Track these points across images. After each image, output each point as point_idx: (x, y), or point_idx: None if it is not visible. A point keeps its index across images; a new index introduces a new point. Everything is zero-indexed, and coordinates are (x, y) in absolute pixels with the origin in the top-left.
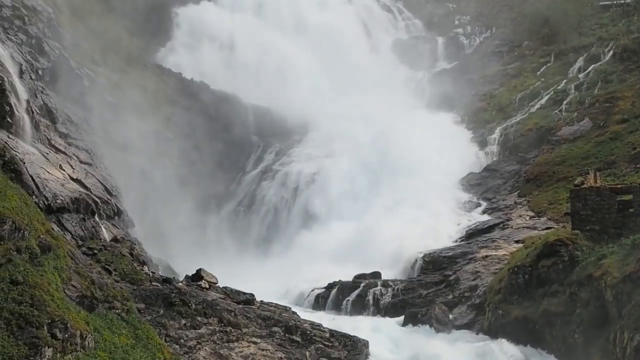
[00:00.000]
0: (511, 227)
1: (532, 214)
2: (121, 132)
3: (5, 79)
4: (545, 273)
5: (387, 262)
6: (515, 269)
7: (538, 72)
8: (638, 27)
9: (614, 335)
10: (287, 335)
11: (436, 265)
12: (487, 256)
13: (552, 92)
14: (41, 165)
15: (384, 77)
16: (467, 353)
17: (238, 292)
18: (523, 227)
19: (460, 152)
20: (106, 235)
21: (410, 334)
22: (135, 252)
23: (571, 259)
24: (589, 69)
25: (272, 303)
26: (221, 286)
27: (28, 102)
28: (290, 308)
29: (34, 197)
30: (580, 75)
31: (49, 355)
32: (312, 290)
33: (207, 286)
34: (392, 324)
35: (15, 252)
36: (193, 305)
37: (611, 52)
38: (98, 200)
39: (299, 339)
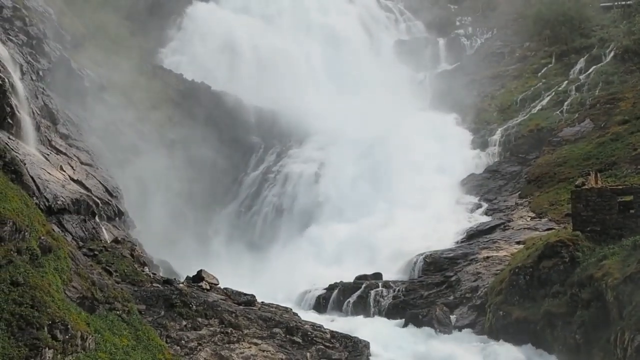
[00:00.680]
0: (512, 228)
1: (533, 215)
2: (122, 133)
3: (6, 79)
4: (546, 274)
5: (388, 263)
6: (516, 270)
7: (539, 73)
8: (639, 28)
9: (615, 336)
10: (288, 336)
11: (437, 266)
12: (488, 257)
13: (553, 93)
14: (42, 166)
15: (385, 78)
16: (468, 354)
17: (239, 293)
18: (524, 228)
19: (461, 153)
20: (107, 236)
21: (411, 335)
22: (136, 253)
23: (572, 260)
24: (590, 70)
25: (273, 304)
26: (222, 287)
27: (29, 103)
28: (291, 309)
29: (34, 198)
30: (582, 77)
31: (49, 357)
32: (313, 291)
33: (208, 287)
34: (393, 325)
35: (16, 253)
36: (194, 306)
37: (612, 53)
38: (99, 202)
39: (299, 340)
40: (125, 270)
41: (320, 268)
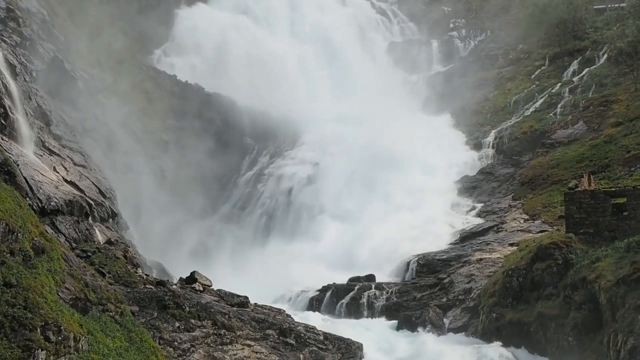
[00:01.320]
0: (505, 230)
1: (526, 217)
2: (115, 134)
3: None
4: (540, 276)
5: (381, 265)
6: (510, 272)
7: (533, 76)
8: (632, 30)
9: (608, 338)
10: (281, 337)
11: (430, 268)
12: (481, 259)
13: (546, 95)
14: (35, 167)
15: (379, 80)
16: (461, 356)
17: (232, 295)
18: (517, 230)
19: (454, 155)
20: (100, 237)
21: (404, 337)
22: (129, 254)
23: (565, 262)
24: (584, 72)
25: (266, 306)
26: (215, 289)
27: (22, 104)
28: (284, 311)
29: (27, 199)
30: (575, 79)
31: (42, 358)
32: (307, 293)
33: (201, 289)
34: (386, 326)
35: (9, 255)
36: (187, 307)
37: (606, 56)
38: (92, 203)
39: (293, 342)
40: (119, 272)
41: (314, 269)
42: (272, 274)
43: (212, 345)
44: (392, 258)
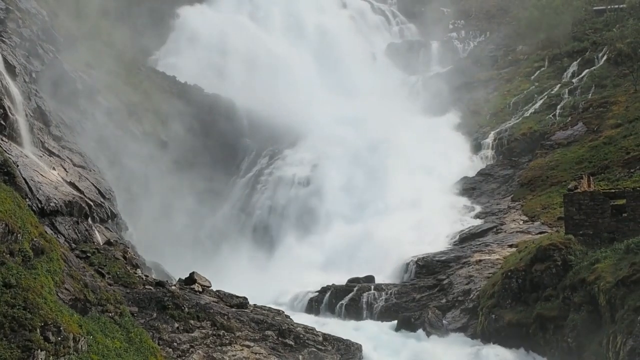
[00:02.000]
0: (505, 232)
1: (525, 218)
2: (114, 135)
3: None
4: (539, 277)
5: (380, 266)
6: (509, 274)
7: (532, 77)
8: (632, 31)
9: (607, 339)
10: (280, 338)
11: (430, 270)
12: (480, 260)
13: (546, 97)
14: (35, 168)
15: (378, 81)
16: (460, 357)
17: (231, 296)
18: (516, 232)
19: (454, 156)
20: (99, 238)
21: (403, 338)
22: (128, 255)
23: (564, 264)
24: (583, 73)
25: (265, 306)
26: (214, 289)
27: (22, 105)
28: (283, 312)
29: (27, 200)
30: (574, 80)
31: (42, 358)
32: (306, 294)
33: (201, 289)
34: (385, 327)
35: (8, 255)
36: (186, 308)
37: (605, 57)
38: (91, 203)
39: (292, 343)
40: (118, 273)
41: (313, 270)
42: (271, 275)
43: (211, 346)
44: (392, 259)
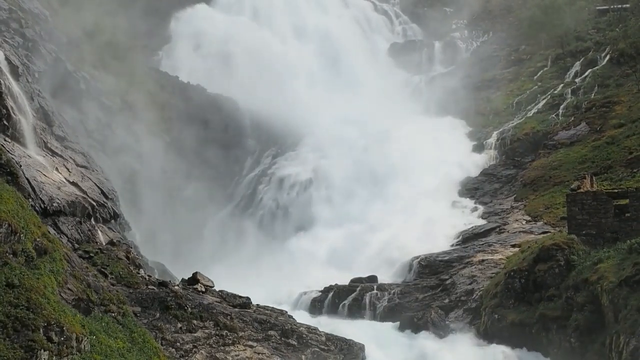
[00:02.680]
0: (507, 232)
1: (528, 218)
2: (117, 135)
3: (2, 82)
4: (542, 277)
5: (383, 266)
6: (512, 273)
7: (535, 77)
8: (635, 31)
9: (610, 339)
10: (283, 339)
11: (432, 269)
12: (483, 260)
13: (548, 97)
14: (37, 168)
15: (380, 81)
16: (463, 357)
17: (234, 296)
18: (519, 232)
19: (456, 156)
20: (102, 238)
21: (406, 338)
22: (131, 255)
23: (567, 264)
24: (586, 73)
25: (268, 307)
26: (217, 290)
27: (25, 105)
28: (286, 312)
29: (30, 200)
30: (577, 80)
31: (44, 359)
32: (309, 294)
33: (203, 290)
34: (388, 327)
35: (11, 255)
36: (189, 308)
37: (608, 57)
38: (94, 204)
39: (295, 343)
40: (121, 273)
41: (316, 270)
42: (274, 275)
43: (214, 346)
44: (394, 259)
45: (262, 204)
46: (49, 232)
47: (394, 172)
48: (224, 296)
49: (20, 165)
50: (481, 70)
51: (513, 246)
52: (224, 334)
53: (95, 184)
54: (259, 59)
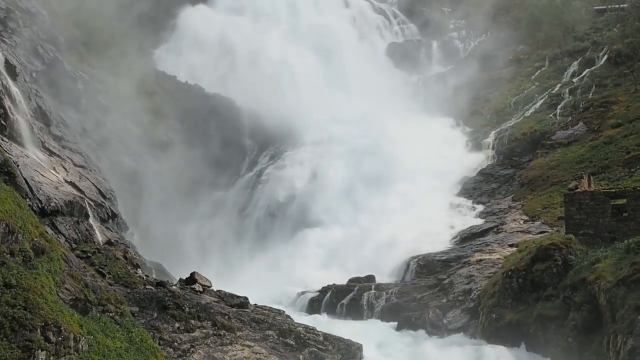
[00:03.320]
0: (505, 231)
1: (526, 217)
2: (115, 134)
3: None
4: (539, 277)
5: (381, 266)
6: (509, 273)
7: (533, 76)
8: (632, 31)
9: (608, 339)
10: (280, 338)
11: (430, 269)
12: (481, 260)
13: (546, 96)
14: (35, 168)
15: (379, 81)
16: (460, 357)
17: (232, 296)
18: (517, 231)
19: (454, 156)
20: (100, 238)
21: (404, 338)
22: (129, 255)
23: (565, 263)
24: (584, 73)
25: (266, 306)
26: (215, 289)
27: (22, 105)
28: (284, 311)
29: (27, 200)
30: (575, 80)
31: (42, 359)
32: (306, 294)
33: (201, 289)
34: (386, 327)
35: (9, 255)
36: (187, 308)
37: (606, 57)
38: (92, 203)
39: (292, 343)
40: (119, 272)
41: (313, 270)
42: (272, 275)
43: (212, 345)
44: (392, 259)
45: (259, 203)
46: (46, 231)
47: (391, 172)
48: (222, 296)
49: (18, 165)
50: (479, 70)
51: (511, 246)
52: (222, 333)
53: (93, 183)
54: (258, 58)
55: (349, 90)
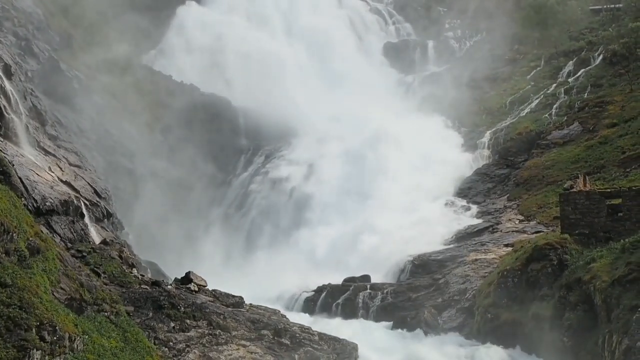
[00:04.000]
0: (501, 231)
1: (521, 217)
2: (110, 134)
3: None
4: (535, 277)
5: (376, 266)
6: (505, 273)
7: (528, 76)
8: (628, 31)
9: (603, 339)
10: (276, 338)
11: (426, 269)
12: (476, 260)
13: (542, 96)
14: (30, 167)
15: (374, 80)
16: (456, 356)
17: (227, 295)
18: (513, 231)
19: (450, 155)
20: (95, 237)
21: (399, 338)
22: (124, 254)
23: (560, 263)
24: (579, 73)
25: (261, 306)
26: (210, 289)
27: (17, 104)
28: (279, 311)
29: (23, 199)
30: (570, 80)
31: (37, 358)
32: (302, 294)
33: (197, 289)
34: (381, 327)
35: (4, 255)
36: (182, 308)
37: (601, 57)
38: (87, 203)
39: (288, 342)
40: (114, 272)
41: (309, 270)
42: (267, 274)
43: (207, 345)
44: (388, 258)
45: (255, 203)
46: (41, 231)
47: (387, 171)
48: (217, 295)
49: (13, 164)
50: (475, 69)
51: (506, 246)
52: (217, 333)
53: (88, 183)
54: (253, 58)
55: (345, 89)
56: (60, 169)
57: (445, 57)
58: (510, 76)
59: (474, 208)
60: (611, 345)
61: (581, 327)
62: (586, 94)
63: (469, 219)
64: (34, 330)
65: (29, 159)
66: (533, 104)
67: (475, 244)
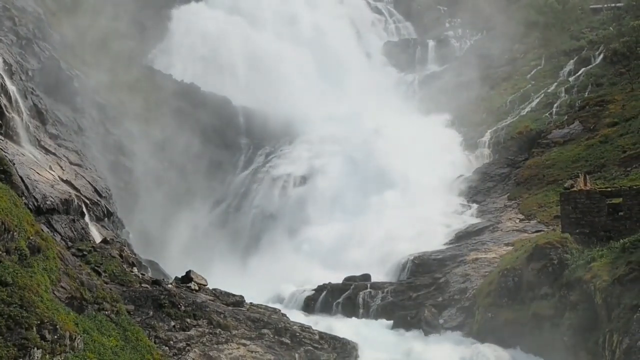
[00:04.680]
0: (501, 230)
1: (522, 216)
2: (111, 133)
3: None
4: (535, 276)
5: (377, 265)
6: (505, 272)
7: (529, 75)
8: (628, 30)
9: (603, 338)
10: (276, 337)
11: (426, 268)
12: (477, 259)
13: (542, 95)
14: (31, 166)
15: (374, 79)
16: (456, 356)
17: (227, 294)
18: (513, 230)
19: (450, 154)
20: (96, 236)
21: (399, 337)
22: (124, 253)
23: (561, 262)
24: (580, 72)
25: (261, 305)
26: (211, 288)
27: (18, 103)
28: (279, 310)
29: (23, 198)
30: (571, 79)
31: (38, 357)
32: (302, 293)
33: (197, 288)
34: (381, 326)
35: (5, 253)
36: (182, 307)
37: (602, 56)
38: (88, 202)
39: (288, 341)
40: (114, 271)
41: (309, 269)
42: (268, 273)
43: (207, 344)
44: (388, 258)
45: (255, 202)
46: (42, 230)
47: (387, 170)
48: (218, 294)
49: (14, 163)
50: (475, 69)
51: (507, 245)
52: (218, 332)
53: (88, 182)
54: (253, 57)
55: (345, 88)
56: (61, 167)
57: (445, 56)
58: (510, 75)
59: (475, 207)
60: (612, 344)
61: (581, 327)
62: (587, 93)
63: (469, 218)
64: (34, 329)
65: (30, 158)
66: (533, 103)
67: (476, 243)
